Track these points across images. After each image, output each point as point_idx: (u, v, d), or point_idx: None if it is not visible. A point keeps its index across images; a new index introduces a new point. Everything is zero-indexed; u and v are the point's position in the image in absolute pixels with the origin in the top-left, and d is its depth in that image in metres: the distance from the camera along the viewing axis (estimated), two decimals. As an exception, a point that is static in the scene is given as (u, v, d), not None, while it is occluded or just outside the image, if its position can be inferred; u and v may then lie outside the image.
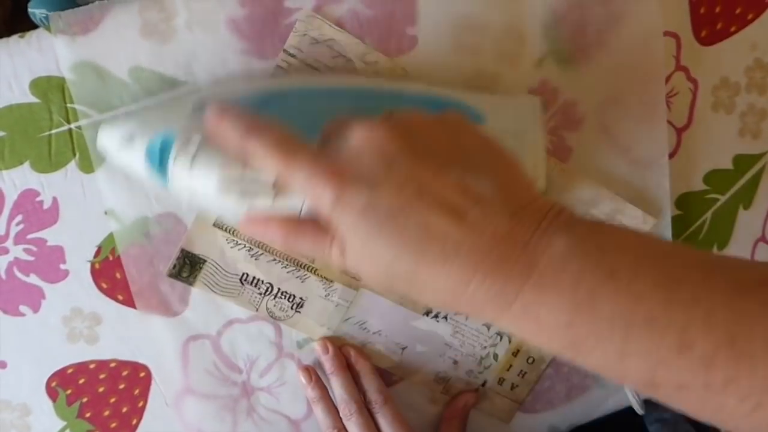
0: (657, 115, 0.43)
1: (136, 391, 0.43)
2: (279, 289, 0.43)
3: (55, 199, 0.40)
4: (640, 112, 0.43)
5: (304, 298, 0.43)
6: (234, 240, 0.42)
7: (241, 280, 0.42)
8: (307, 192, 0.30)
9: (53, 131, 0.38)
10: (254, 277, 0.42)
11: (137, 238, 0.41)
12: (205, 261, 0.42)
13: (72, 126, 0.39)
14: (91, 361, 0.42)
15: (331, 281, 0.43)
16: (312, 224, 0.31)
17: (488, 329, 0.45)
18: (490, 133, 0.31)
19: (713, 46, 0.45)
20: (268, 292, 0.43)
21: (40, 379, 0.42)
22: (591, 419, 0.49)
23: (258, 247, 0.42)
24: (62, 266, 0.41)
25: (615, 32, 0.41)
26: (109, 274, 0.41)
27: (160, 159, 0.33)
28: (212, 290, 0.42)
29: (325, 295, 0.43)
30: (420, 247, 0.27)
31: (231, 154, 0.32)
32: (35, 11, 0.39)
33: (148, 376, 0.43)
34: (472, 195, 0.27)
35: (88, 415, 0.43)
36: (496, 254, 0.26)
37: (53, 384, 0.42)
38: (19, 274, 0.40)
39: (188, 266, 0.42)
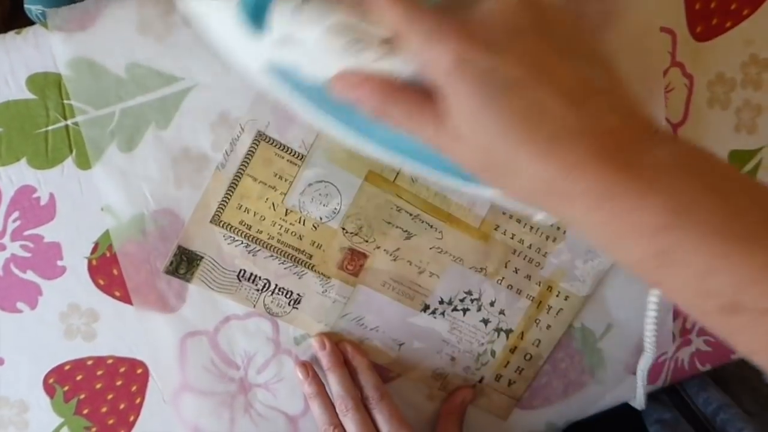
0: (656, 110, 0.43)
1: (134, 388, 0.43)
2: (276, 285, 0.43)
3: (51, 196, 0.40)
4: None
5: (301, 295, 0.43)
6: (231, 236, 0.42)
7: (238, 276, 0.42)
8: (423, 51, 0.28)
9: (50, 127, 0.39)
10: (251, 274, 0.42)
11: (134, 235, 0.41)
12: (202, 257, 0.42)
13: (69, 122, 0.39)
14: (89, 358, 0.42)
15: (329, 278, 0.43)
16: (414, 90, 0.29)
17: (485, 325, 0.45)
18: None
19: (709, 41, 0.45)
20: (265, 289, 0.43)
21: (37, 376, 0.42)
22: (588, 415, 0.49)
23: (255, 243, 0.42)
24: (59, 263, 0.41)
25: (611, 29, 0.41)
26: (106, 270, 0.41)
27: (256, 6, 0.30)
28: (209, 287, 0.42)
29: (323, 292, 0.43)
30: (530, 125, 0.26)
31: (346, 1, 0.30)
32: (31, 7, 0.39)
33: (146, 373, 0.43)
34: (585, 82, 0.27)
35: (85, 411, 0.43)
36: (605, 148, 0.26)
37: (51, 380, 0.42)
38: (16, 271, 0.40)
39: (185, 263, 0.42)
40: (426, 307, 0.45)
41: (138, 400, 0.43)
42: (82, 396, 0.43)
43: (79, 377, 0.42)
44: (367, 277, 0.43)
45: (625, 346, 0.48)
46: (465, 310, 0.45)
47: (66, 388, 0.42)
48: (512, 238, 0.44)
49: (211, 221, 0.41)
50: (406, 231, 0.43)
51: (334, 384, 0.43)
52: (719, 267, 0.25)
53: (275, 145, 0.40)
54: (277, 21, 0.31)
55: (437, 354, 0.46)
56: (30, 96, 0.38)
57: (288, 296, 0.43)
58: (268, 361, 0.44)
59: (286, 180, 0.41)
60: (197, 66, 0.39)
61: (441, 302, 0.45)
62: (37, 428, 0.43)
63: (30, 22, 0.39)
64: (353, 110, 0.31)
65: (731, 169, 0.28)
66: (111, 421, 0.43)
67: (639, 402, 0.47)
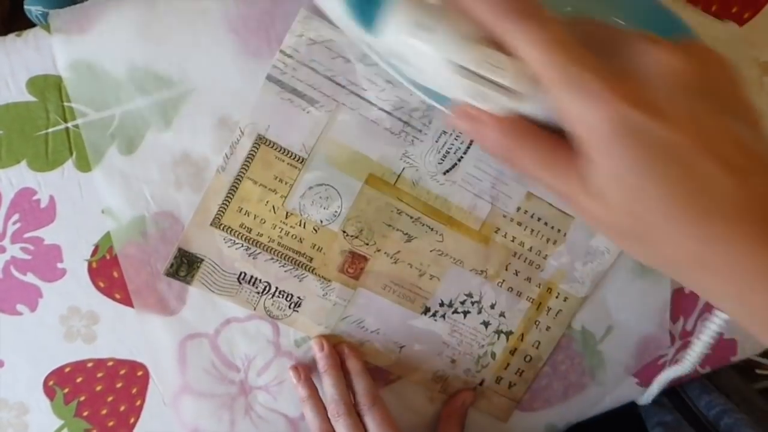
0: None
1: (134, 390, 0.43)
2: (277, 288, 0.43)
3: (51, 198, 0.40)
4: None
5: (301, 297, 0.43)
6: (231, 239, 0.42)
7: (238, 279, 0.42)
8: (574, 105, 0.25)
9: (50, 130, 0.38)
10: (252, 276, 0.42)
11: (134, 237, 0.41)
12: (202, 260, 0.42)
13: (69, 125, 0.38)
14: (89, 360, 0.42)
15: (329, 281, 0.43)
16: (547, 136, 0.27)
17: (486, 328, 0.45)
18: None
19: (710, 45, 0.45)
20: (265, 291, 0.43)
21: (37, 378, 0.42)
22: (588, 417, 0.49)
23: (255, 246, 0.42)
24: (59, 265, 0.41)
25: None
26: (107, 272, 0.41)
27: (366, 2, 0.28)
28: (210, 289, 0.42)
29: (323, 294, 0.43)
30: (690, 197, 0.24)
31: (477, 27, 0.26)
32: (31, 8, 0.39)
33: (146, 375, 0.43)
34: (750, 153, 0.25)
35: (85, 413, 0.43)
36: (764, 220, 0.24)
37: (51, 383, 0.42)
38: (16, 273, 0.40)
39: (185, 265, 0.42)
40: (426, 310, 0.45)
41: (138, 403, 0.43)
42: (83, 398, 0.43)
43: (79, 379, 0.42)
44: (368, 280, 0.43)
45: (626, 348, 0.48)
46: (465, 313, 0.45)
47: (66, 390, 0.42)
48: (512, 241, 0.44)
49: (211, 224, 0.41)
50: (406, 234, 0.43)
51: (328, 387, 0.42)
52: None
53: (275, 148, 0.40)
54: (392, 30, 0.28)
55: (438, 356, 0.46)
56: (30, 98, 0.38)
57: (288, 299, 0.43)
58: (269, 364, 0.44)
59: (286, 183, 0.41)
60: (198, 69, 0.38)
61: (441, 305, 0.45)
62: (37, 430, 0.43)
63: (29, 23, 0.39)
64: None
65: None
66: (111, 423, 0.43)
67: (645, 399, 0.47)
